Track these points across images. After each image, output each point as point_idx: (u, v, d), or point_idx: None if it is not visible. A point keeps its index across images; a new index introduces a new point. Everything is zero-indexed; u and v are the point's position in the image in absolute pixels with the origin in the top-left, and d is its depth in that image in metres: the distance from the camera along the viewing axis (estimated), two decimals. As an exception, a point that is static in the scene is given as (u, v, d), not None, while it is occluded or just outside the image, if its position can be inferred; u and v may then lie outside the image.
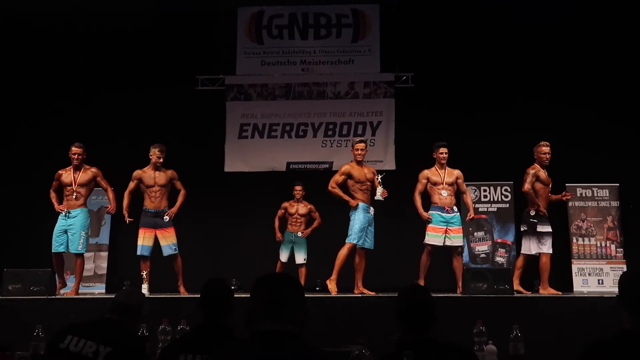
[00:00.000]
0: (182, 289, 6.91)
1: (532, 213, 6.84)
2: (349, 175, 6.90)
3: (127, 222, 6.98)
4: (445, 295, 6.34)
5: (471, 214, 7.15)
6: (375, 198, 6.83)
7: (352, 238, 6.73)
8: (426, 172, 7.01)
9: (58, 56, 8.86)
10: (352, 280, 6.83)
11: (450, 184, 6.96)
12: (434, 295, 2.68)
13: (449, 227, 6.85)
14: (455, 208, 6.97)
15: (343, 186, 6.92)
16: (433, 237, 6.84)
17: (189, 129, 8.64)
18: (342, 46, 9.11)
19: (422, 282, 6.65)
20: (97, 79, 8.77)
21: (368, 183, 6.88)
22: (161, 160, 6.99)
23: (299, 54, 9.15)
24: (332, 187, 6.88)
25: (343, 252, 6.74)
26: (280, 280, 2.17)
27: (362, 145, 6.95)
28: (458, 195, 7.15)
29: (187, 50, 8.87)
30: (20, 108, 8.76)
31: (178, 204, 7.06)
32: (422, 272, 6.83)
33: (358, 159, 6.92)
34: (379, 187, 6.79)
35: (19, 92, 8.80)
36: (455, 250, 6.91)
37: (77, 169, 6.90)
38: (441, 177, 6.96)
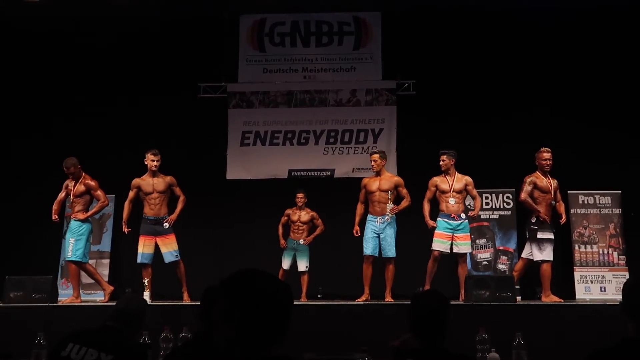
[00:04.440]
0: (185, 295, 6.90)
1: (533, 220, 6.84)
2: (365, 187, 7.08)
3: (126, 232, 7.03)
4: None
5: (473, 213, 7.10)
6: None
7: (364, 249, 6.92)
8: (435, 180, 7.03)
9: (58, 63, 8.84)
10: (357, 288, 6.88)
11: (459, 192, 6.96)
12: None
13: (455, 234, 6.86)
14: (462, 215, 6.96)
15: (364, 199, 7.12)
16: (439, 243, 6.85)
17: (190, 137, 8.64)
18: (344, 54, 9.11)
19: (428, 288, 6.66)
20: (99, 86, 8.77)
21: (377, 194, 6.94)
22: (156, 164, 6.95)
23: (300, 61, 9.14)
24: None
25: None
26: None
27: (374, 156, 7.09)
28: (468, 201, 7.18)
29: (189, 58, 8.87)
30: (22, 116, 8.75)
31: (177, 210, 7.04)
32: (429, 279, 6.84)
33: (373, 170, 7.08)
34: (390, 202, 6.86)
35: (20, 99, 8.80)
36: (462, 257, 6.93)
37: (75, 180, 6.95)
38: (449, 185, 6.95)
